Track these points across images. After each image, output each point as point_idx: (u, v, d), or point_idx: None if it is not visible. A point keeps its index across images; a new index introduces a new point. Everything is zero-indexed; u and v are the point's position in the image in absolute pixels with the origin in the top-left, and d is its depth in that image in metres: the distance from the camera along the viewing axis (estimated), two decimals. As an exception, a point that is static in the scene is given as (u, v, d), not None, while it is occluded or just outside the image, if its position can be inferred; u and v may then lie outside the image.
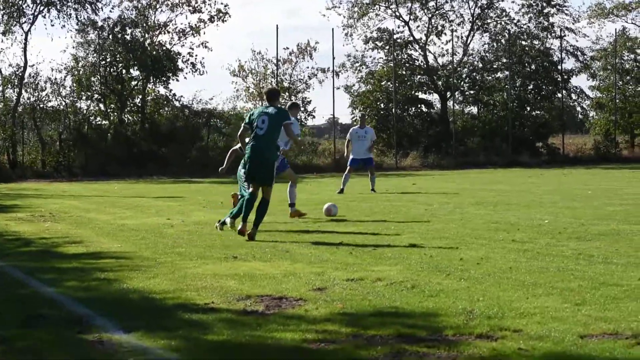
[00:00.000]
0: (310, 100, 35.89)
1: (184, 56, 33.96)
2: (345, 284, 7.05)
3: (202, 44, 34.25)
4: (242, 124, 10.97)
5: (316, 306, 6.17)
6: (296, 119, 14.15)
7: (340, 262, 8.34)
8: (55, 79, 32.34)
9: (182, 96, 35.21)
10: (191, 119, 34.08)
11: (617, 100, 39.17)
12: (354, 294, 6.64)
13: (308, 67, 38.01)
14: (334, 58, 44.98)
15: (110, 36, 33.18)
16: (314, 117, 36.45)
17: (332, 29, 44.79)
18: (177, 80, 33.94)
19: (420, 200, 16.69)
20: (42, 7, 31.90)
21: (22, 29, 31.84)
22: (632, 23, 41.63)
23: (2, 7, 31.80)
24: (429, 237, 10.40)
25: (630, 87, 40.67)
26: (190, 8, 34.06)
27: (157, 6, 33.88)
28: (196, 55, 34.22)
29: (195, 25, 34.15)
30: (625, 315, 5.65)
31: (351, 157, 19.41)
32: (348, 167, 19.33)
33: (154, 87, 34.04)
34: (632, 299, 6.22)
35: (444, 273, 7.51)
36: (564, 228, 11.08)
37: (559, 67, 39.29)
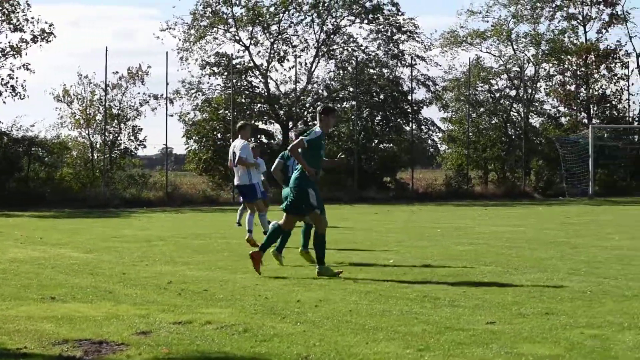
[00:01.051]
0: (142, 129, 35.77)
1: (3, 78, 33.67)
2: (172, 328, 7.15)
3: (24, 65, 33.92)
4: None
5: (139, 351, 6.23)
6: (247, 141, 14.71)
7: (168, 304, 8.44)
8: None
9: (0, 122, 34.65)
10: (10, 147, 33.56)
11: (470, 134, 40.77)
12: (180, 338, 6.74)
13: (139, 93, 37.53)
14: (167, 84, 45.09)
15: None
16: (144, 146, 36.28)
17: (167, 53, 45.12)
18: (-5, 104, 35.02)
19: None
20: None
21: None
22: (487, 52, 43.78)
23: None
24: (266, 276, 10.62)
25: (484, 119, 42.59)
26: (11, 26, 33.82)
27: (-28, 23, 34.91)
28: (17, 78, 33.86)
29: (17, 45, 33.84)
30: (469, 361, 6.14)
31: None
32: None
33: (-33, 112, 33.77)
34: (479, 344, 6.48)
35: (279, 316, 7.72)
36: (410, 268, 11.52)
37: (409, 97, 40.42)
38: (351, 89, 39.94)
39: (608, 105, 43.61)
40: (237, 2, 38.94)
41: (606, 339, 6.70)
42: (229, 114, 37.69)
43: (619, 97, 43.57)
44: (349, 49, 40.33)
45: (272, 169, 13.59)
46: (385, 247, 15.00)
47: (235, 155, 14.56)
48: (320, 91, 40.37)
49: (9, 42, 34.22)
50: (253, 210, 14.95)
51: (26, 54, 34.51)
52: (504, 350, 6.31)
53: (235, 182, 15.35)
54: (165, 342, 6.57)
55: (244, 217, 16.94)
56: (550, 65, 43.63)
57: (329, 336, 6.77)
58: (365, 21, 40.15)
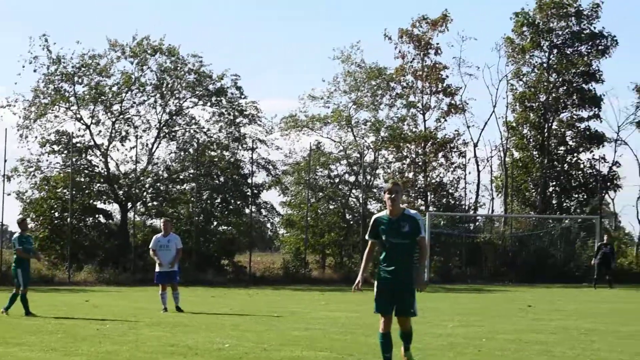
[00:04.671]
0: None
1: None
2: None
3: None
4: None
5: None
6: None
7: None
8: None
9: None
10: None
11: (309, 218, 45.13)
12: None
13: (-25, 171, 39.21)
14: (5, 160, 46.60)
15: None
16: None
17: (6, 129, 49.77)
18: None
19: (93, 318, 18.87)
20: None
21: None
22: (327, 137, 48.71)
23: None
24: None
25: (322, 204, 47.33)
26: None
27: None
28: None
29: None
30: None
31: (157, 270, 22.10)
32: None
33: None
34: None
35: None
36: (245, 353, 12.78)
37: (249, 181, 44.73)
38: (192, 171, 43.87)
39: (445, 193, 49.98)
40: (80, 80, 42.58)
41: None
42: (67, 192, 40.88)
43: (455, 185, 50.26)
44: (191, 131, 44.66)
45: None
46: (221, 330, 16.51)
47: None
48: (160, 172, 44.14)
49: None
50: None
51: None
52: None
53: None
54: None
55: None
56: (389, 152, 49.66)
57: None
58: (209, 103, 44.64)
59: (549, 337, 16.28)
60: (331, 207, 48.02)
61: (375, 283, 11.40)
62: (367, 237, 11.46)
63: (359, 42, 56.11)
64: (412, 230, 11.14)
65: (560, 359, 13.00)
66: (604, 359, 12.99)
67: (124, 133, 43.74)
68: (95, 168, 43.74)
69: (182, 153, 45.18)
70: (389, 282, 11.22)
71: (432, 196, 50.73)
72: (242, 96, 45.53)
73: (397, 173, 50.16)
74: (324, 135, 49.48)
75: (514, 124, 54.14)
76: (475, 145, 52.13)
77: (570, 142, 54.58)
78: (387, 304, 11.25)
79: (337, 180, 48.62)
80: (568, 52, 53.41)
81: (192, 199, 43.83)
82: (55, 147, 42.65)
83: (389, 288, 11.24)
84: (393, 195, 11.13)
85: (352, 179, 48.96)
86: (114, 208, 43.80)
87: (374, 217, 11.51)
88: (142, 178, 43.75)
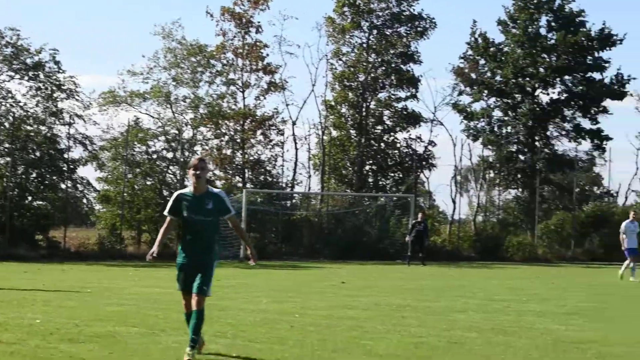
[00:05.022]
0: None
1: None
2: None
3: None
4: None
5: None
6: None
7: None
8: None
9: None
10: None
11: (125, 194, 45.47)
12: None
13: None
14: None
15: None
16: None
17: None
18: None
19: None
20: None
21: None
22: (146, 113, 48.97)
23: None
24: None
25: (139, 180, 47.68)
26: None
27: None
28: None
29: None
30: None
31: None
32: None
33: None
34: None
35: None
36: (57, 329, 12.75)
37: (66, 156, 44.73)
38: (7, 145, 43.48)
39: (262, 170, 50.98)
40: None
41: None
42: None
43: (273, 162, 51.34)
44: (7, 105, 44.26)
45: None
46: (32, 306, 16.54)
47: None
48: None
49: None
50: None
51: None
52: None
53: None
54: None
55: None
56: (208, 129, 50.37)
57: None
58: (26, 77, 44.31)
59: (361, 313, 16.81)
60: (148, 183, 48.32)
61: (177, 260, 11.21)
62: (165, 212, 11.24)
63: (180, 19, 56.82)
64: (215, 208, 11.02)
65: (371, 334, 13.38)
66: (413, 334, 13.47)
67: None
68: None
69: (-2, 127, 43.52)
70: (190, 259, 11.07)
71: (250, 173, 51.59)
72: (60, 71, 45.33)
73: (215, 150, 50.82)
74: (142, 111, 49.72)
75: (333, 103, 55.58)
76: (294, 124, 53.08)
77: (388, 122, 56.60)
78: (189, 282, 11.06)
79: (154, 156, 48.95)
80: (387, 33, 55.26)
81: (7, 173, 43.45)
82: None
83: (190, 265, 11.08)
84: (198, 172, 10.95)
85: (170, 155, 49.37)
86: None
87: (176, 193, 11.32)
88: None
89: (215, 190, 11.27)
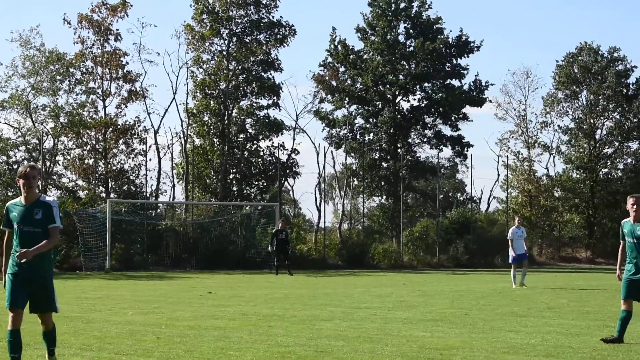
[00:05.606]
0: None
1: None
2: None
3: None
4: None
5: None
6: None
7: None
8: None
9: None
10: None
11: None
12: None
13: None
14: None
15: None
16: None
17: None
18: None
19: None
20: None
21: None
22: (5, 123, 48.88)
23: None
24: None
25: (1, 191, 47.43)
26: None
27: None
28: None
29: None
30: None
31: None
32: None
33: None
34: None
35: None
36: None
37: None
38: None
39: (126, 179, 50.76)
40: None
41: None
42: None
43: (136, 172, 51.20)
44: None
45: None
46: None
47: None
48: None
49: None
50: None
51: None
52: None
53: None
54: None
55: None
56: (69, 138, 49.81)
57: None
58: None
59: (228, 322, 16.83)
60: (10, 194, 47.42)
61: (7, 274, 10.45)
62: (1, 227, 10.66)
63: (39, 26, 55.87)
64: (44, 218, 10.36)
65: (237, 344, 13.39)
66: (280, 344, 13.52)
67: None
68: None
69: None
70: (22, 273, 10.34)
71: (114, 183, 51.12)
72: None
73: (77, 159, 50.27)
74: (1, 120, 49.14)
75: (195, 111, 55.38)
76: (156, 132, 52.97)
77: (250, 130, 56.70)
78: (20, 298, 10.37)
79: (16, 166, 48.20)
80: (247, 41, 55.32)
81: None
82: None
83: (21, 280, 10.36)
84: (29, 181, 10.38)
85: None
86: None
87: (7, 203, 10.69)
88: None
89: (49, 199, 10.65)
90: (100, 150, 50.74)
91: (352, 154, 58.79)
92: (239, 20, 54.91)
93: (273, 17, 55.60)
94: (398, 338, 14.46)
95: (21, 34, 49.23)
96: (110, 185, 50.83)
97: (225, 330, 15.52)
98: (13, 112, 49.33)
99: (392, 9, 59.72)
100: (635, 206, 14.04)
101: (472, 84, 60.86)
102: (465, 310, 20.22)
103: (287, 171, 56.59)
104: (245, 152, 56.12)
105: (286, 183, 57.87)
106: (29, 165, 10.55)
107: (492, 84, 61.28)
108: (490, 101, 61.91)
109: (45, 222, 10.38)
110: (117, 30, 51.80)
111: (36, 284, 10.38)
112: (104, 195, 49.55)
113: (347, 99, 59.02)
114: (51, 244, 10.41)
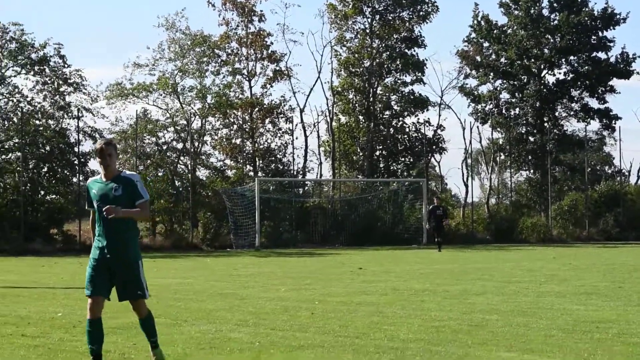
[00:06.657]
0: None
1: None
2: None
3: None
4: None
5: None
6: None
7: None
8: None
9: None
10: None
11: None
12: None
13: None
14: None
15: None
16: None
17: None
18: None
19: None
20: None
21: None
22: (154, 105, 49.34)
23: None
24: None
25: (151, 172, 47.76)
26: None
27: None
28: None
29: None
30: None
31: None
32: None
33: None
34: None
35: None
36: (79, 321, 12.78)
37: (76, 149, 44.97)
38: (17, 140, 43.70)
39: (273, 158, 51.08)
40: None
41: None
42: None
43: (283, 150, 51.47)
44: (14, 100, 44.78)
45: None
46: (53, 299, 16.56)
47: None
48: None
49: None
50: None
51: None
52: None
53: None
54: None
55: None
56: (216, 119, 50.65)
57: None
58: (32, 72, 44.80)
59: (380, 298, 16.75)
60: (160, 174, 48.42)
61: (89, 259, 9.64)
62: (87, 207, 9.86)
63: (184, 10, 56.98)
64: (125, 194, 9.50)
65: (391, 319, 13.31)
66: (434, 318, 13.42)
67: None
68: None
69: (5, 122, 45.10)
70: (104, 259, 9.55)
71: (261, 162, 51.56)
72: (66, 65, 45.74)
73: (224, 139, 50.98)
74: (150, 102, 49.93)
75: (340, 89, 55.60)
76: (302, 111, 53.33)
77: (395, 107, 56.61)
78: (101, 285, 9.56)
79: (165, 147, 49.27)
80: (390, 18, 55.15)
81: (19, 168, 43.64)
82: None
83: (104, 266, 9.57)
84: (105, 159, 9.54)
85: (180, 145, 49.78)
86: None
87: (88, 181, 9.97)
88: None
89: (129, 173, 9.77)
90: (247, 129, 51.34)
91: (498, 129, 58.01)
92: (381, -2, 54.42)
93: (415, -7, 54.85)
94: (552, 311, 14.26)
95: (167, 18, 50.11)
96: (257, 164, 51.30)
97: (377, 305, 15.46)
98: (161, 95, 50.18)
99: (536, -18, 58.54)
100: None
101: (618, 56, 59.15)
102: (619, 284, 19.81)
103: (433, 147, 56.42)
104: (390, 129, 56.00)
105: (432, 159, 57.52)
106: (104, 142, 9.62)
107: (639, 56, 59.22)
108: (638, 73, 60.03)
109: (128, 199, 9.48)
110: (261, 11, 52.33)
111: (120, 270, 9.56)
112: (251, 174, 50.11)
113: (491, 73, 58.31)
114: (142, 215, 9.56)
